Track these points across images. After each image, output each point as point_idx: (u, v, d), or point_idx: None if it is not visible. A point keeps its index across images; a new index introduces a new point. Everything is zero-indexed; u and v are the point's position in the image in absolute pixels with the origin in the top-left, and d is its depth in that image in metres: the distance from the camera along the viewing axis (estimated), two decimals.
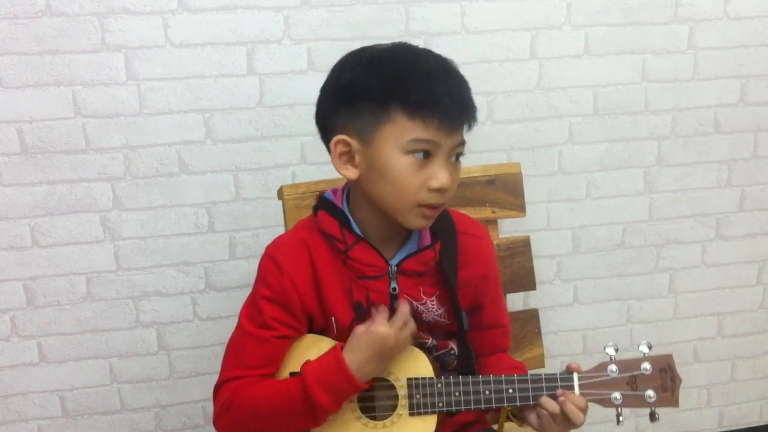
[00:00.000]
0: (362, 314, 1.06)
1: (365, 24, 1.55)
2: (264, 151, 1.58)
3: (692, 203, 1.82)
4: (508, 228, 1.65)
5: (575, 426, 1.02)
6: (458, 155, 1.03)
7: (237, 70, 1.53)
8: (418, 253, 1.08)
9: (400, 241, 1.10)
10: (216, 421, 1.07)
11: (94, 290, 1.58)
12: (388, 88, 0.98)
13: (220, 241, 1.61)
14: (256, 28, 1.52)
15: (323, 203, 1.10)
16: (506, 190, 1.42)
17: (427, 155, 0.98)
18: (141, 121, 1.52)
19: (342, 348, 1.01)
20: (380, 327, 1.00)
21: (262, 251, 1.61)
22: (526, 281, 1.46)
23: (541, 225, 1.75)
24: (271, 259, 1.08)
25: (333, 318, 1.06)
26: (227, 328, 1.65)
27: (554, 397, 1.01)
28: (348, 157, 1.03)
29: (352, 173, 1.02)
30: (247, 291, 1.61)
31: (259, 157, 1.58)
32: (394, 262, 1.08)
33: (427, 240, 1.09)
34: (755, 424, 2.04)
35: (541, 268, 1.73)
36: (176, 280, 1.61)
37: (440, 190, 0.99)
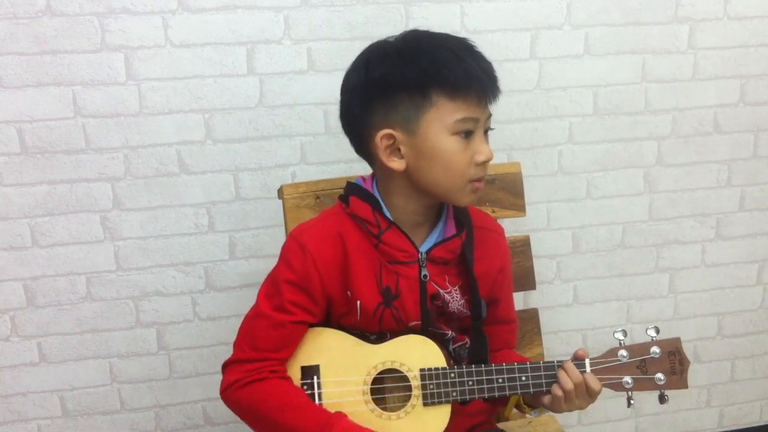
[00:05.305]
0: (390, 299, 1.07)
1: (365, 24, 1.55)
2: (264, 151, 1.58)
3: (692, 203, 1.82)
4: (508, 228, 1.64)
5: (591, 399, 1.04)
6: (487, 130, 1.06)
7: (237, 70, 1.53)
8: (446, 242, 1.10)
9: (428, 229, 1.12)
10: (224, 392, 1.08)
11: (94, 290, 1.58)
12: (425, 74, 1.00)
13: (220, 241, 1.61)
14: (256, 28, 1.52)
15: (354, 189, 1.11)
16: (506, 189, 1.42)
17: (469, 134, 1.02)
18: (141, 121, 1.52)
19: None
20: None
21: (262, 251, 1.63)
22: (526, 281, 1.47)
23: (541, 225, 1.75)
24: (296, 241, 1.08)
25: (359, 302, 1.07)
26: (227, 328, 1.65)
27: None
28: (392, 149, 1.04)
29: (399, 164, 1.04)
30: (248, 291, 1.64)
31: (259, 157, 1.58)
32: (423, 249, 1.09)
33: (453, 229, 1.11)
34: (755, 424, 2.04)
35: (541, 268, 1.73)
36: (176, 280, 1.61)
37: (485, 163, 1.04)
